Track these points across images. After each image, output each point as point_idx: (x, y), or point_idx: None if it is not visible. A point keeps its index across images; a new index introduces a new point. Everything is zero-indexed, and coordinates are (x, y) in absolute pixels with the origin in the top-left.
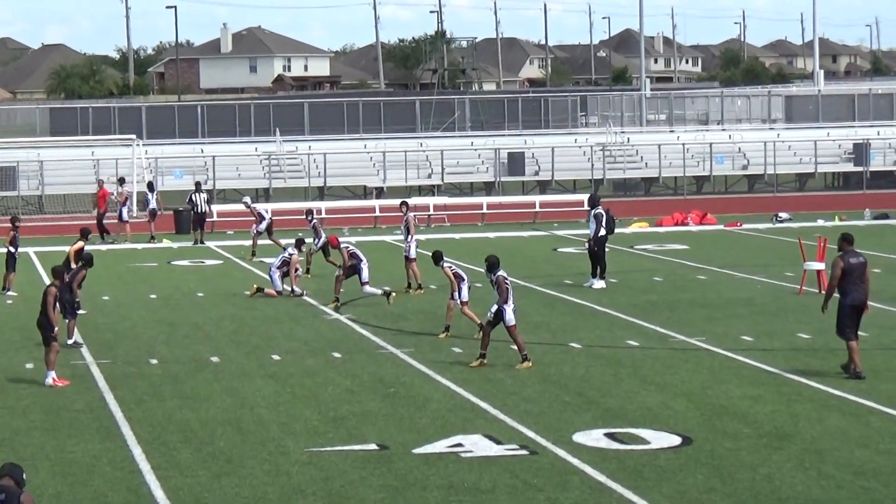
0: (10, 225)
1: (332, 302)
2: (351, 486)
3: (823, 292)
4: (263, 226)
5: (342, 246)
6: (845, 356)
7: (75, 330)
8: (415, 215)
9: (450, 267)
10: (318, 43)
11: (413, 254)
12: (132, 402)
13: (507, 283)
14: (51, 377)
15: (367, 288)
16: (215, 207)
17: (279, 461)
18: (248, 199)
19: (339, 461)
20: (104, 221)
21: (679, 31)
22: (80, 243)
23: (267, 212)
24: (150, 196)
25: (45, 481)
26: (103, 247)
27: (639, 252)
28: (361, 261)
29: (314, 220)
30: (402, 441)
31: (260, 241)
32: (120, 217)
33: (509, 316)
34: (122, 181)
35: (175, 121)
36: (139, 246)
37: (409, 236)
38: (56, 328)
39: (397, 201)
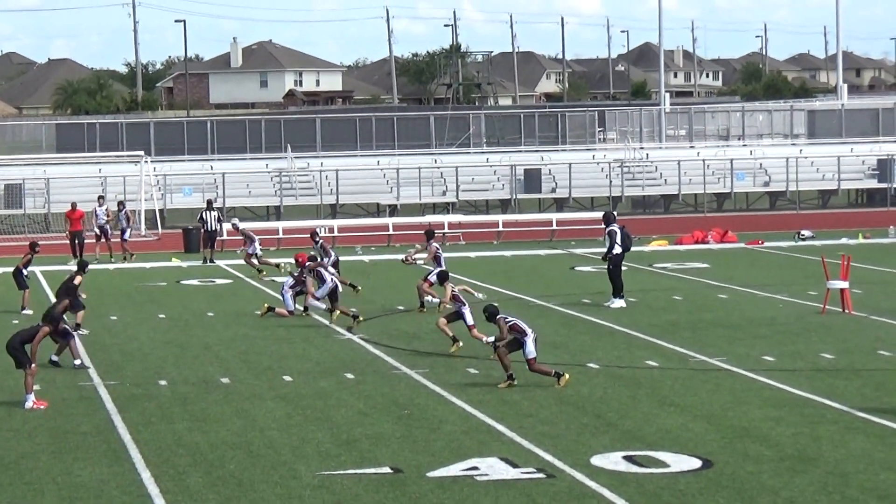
0: (28, 248)
1: (352, 321)
2: None
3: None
4: (257, 247)
5: (310, 264)
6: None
7: (80, 351)
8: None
9: (452, 288)
10: (330, 57)
11: (434, 278)
12: (140, 424)
13: (506, 322)
14: (30, 400)
15: (313, 301)
16: (225, 226)
17: (291, 485)
18: (236, 221)
19: (352, 485)
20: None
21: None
22: (79, 278)
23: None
24: (98, 210)
25: None
26: (111, 266)
27: (658, 271)
28: (326, 281)
29: (320, 241)
30: (416, 464)
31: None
32: (122, 236)
33: (529, 348)
34: (121, 205)
35: (184, 137)
36: (147, 265)
37: (437, 265)
38: (33, 364)
39: (411, 219)
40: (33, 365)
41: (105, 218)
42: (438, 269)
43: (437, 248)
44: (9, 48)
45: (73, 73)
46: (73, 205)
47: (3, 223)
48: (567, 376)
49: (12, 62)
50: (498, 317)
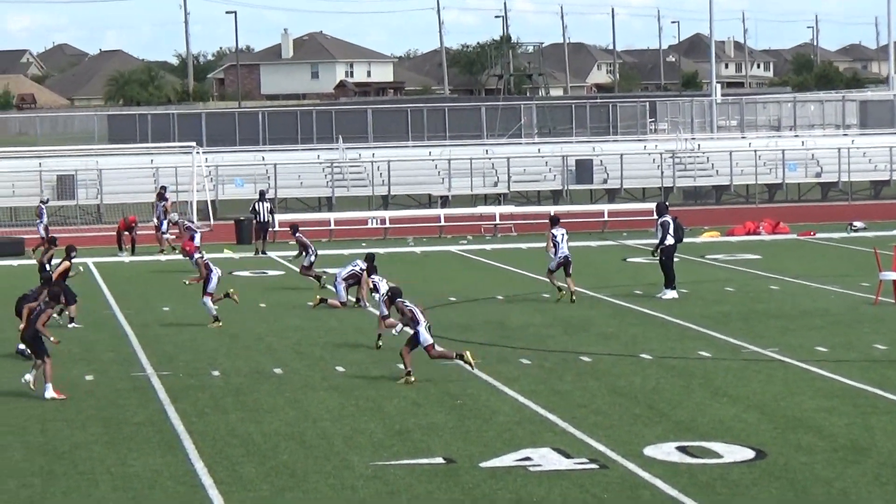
0: (48, 243)
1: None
2: (417, 500)
3: None
4: (198, 239)
5: (198, 256)
6: None
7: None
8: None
9: (405, 304)
10: (381, 48)
11: (554, 266)
12: (194, 414)
13: (407, 308)
14: (50, 389)
15: (208, 300)
16: (278, 217)
17: (343, 475)
18: (174, 216)
19: (405, 475)
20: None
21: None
22: (66, 264)
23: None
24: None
25: (106, 496)
26: (162, 257)
27: (710, 262)
28: (212, 271)
29: (299, 235)
30: (468, 454)
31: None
32: (158, 228)
33: (424, 336)
34: (161, 195)
35: (236, 128)
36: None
37: (556, 251)
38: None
39: (462, 210)
40: (48, 357)
41: (163, 215)
42: (560, 254)
43: (554, 236)
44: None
45: (124, 64)
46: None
47: (56, 214)
48: (468, 352)
49: (64, 53)
50: (398, 300)
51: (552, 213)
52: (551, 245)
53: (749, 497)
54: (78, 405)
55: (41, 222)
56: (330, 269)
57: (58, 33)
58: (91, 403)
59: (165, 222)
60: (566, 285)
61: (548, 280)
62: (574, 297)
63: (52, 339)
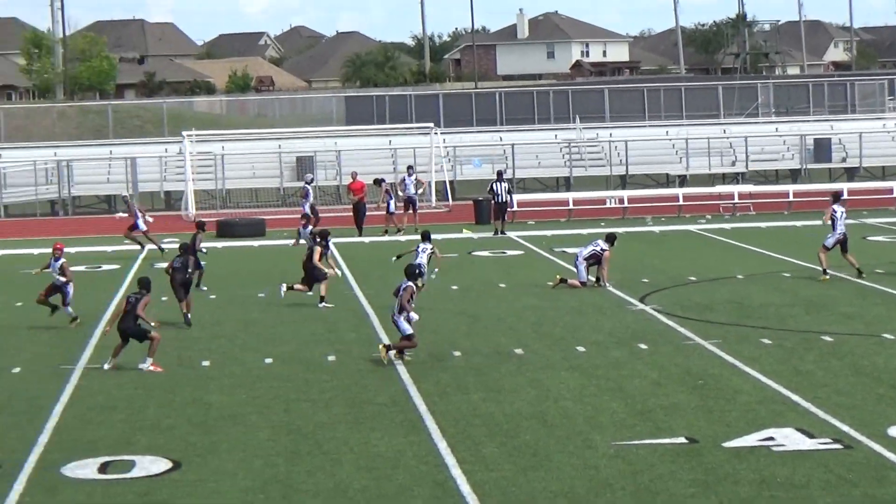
0: (196, 227)
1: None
2: (660, 480)
3: None
4: (142, 223)
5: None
6: None
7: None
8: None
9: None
10: (616, 28)
11: (831, 243)
12: (436, 395)
13: (403, 292)
14: (149, 363)
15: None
16: (516, 197)
17: (586, 455)
18: (127, 195)
19: (648, 454)
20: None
21: None
22: (318, 249)
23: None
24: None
25: (350, 475)
26: (402, 238)
27: None
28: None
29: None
30: (711, 434)
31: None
32: (388, 210)
33: (403, 326)
34: (378, 181)
35: (472, 108)
36: (439, 237)
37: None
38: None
39: (700, 190)
40: (153, 332)
41: (413, 189)
42: (839, 232)
43: (834, 211)
44: (297, 22)
45: (360, 45)
46: (354, 175)
47: (294, 195)
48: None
49: (301, 36)
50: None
51: (835, 190)
52: (828, 219)
53: None
54: (321, 385)
55: (307, 201)
56: (569, 249)
57: (295, 15)
58: (334, 384)
59: (392, 202)
60: (849, 262)
61: (820, 256)
62: (861, 273)
63: (152, 323)
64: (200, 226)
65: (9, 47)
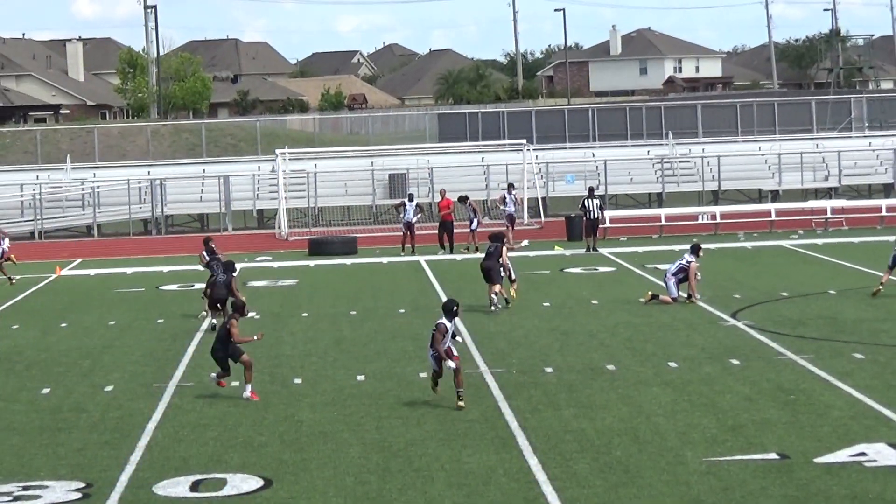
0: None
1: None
2: (751, 496)
3: None
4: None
5: None
6: None
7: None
8: None
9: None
10: (708, 43)
11: None
12: (527, 411)
13: (435, 331)
14: (248, 389)
15: None
16: (608, 213)
17: (677, 471)
18: None
19: (739, 471)
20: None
21: None
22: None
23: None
24: (507, 198)
25: (442, 492)
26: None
27: None
28: None
29: (213, 246)
30: (802, 450)
31: None
32: (470, 227)
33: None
34: (463, 199)
35: (565, 125)
36: (531, 253)
37: None
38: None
39: (793, 205)
40: (244, 355)
41: (514, 207)
42: None
43: None
44: (391, 40)
45: (453, 63)
46: (442, 192)
47: (387, 213)
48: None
49: (394, 54)
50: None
51: None
52: None
53: None
54: (413, 402)
55: (406, 217)
56: (661, 266)
57: (387, 33)
58: (425, 401)
59: (476, 220)
60: None
61: None
62: None
63: (255, 337)
64: (208, 242)
65: (104, 67)
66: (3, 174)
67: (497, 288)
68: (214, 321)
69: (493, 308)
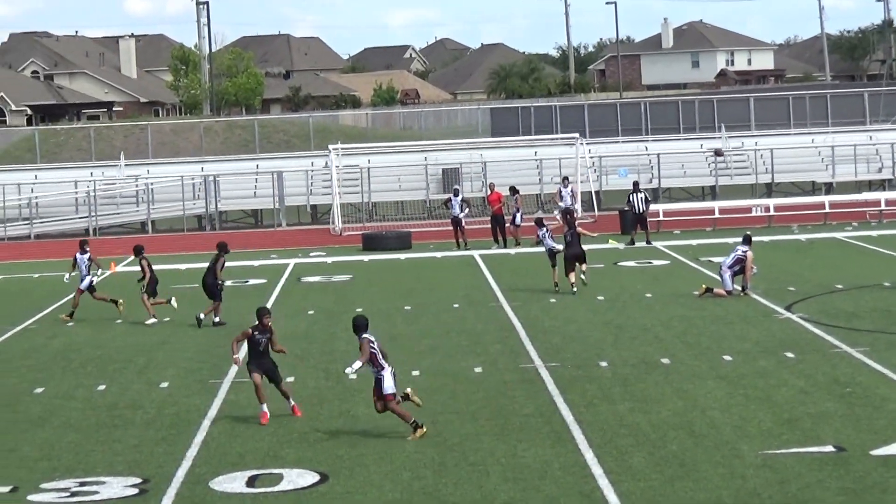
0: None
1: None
2: (808, 489)
3: None
4: None
5: None
6: None
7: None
8: None
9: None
10: (761, 36)
11: None
12: (582, 405)
13: (371, 347)
14: (290, 403)
15: None
16: (661, 207)
17: (733, 464)
18: None
19: (795, 463)
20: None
21: None
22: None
23: None
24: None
25: (497, 486)
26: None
27: None
28: None
29: (88, 252)
30: (859, 442)
31: None
32: (513, 222)
33: (388, 383)
34: (513, 190)
35: (617, 118)
36: (585, 247)
37: None
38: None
39: (847, 197)
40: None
41: (570, 200)
42: None
43: None
44: (443, 34)
45: (505, 57)
46: (492, 186)
47: (440, 208)
48: (424, 430)
49: (446, 48)
50: (363, 335)
51: None
52: None
53: None
54: (468, 397)
55: (453, 212)
56: (715, 258)
57: (439, 28)
58: (480, 395)
59: (519, 215)
60: None
61: None
62: None
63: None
64: (223, 248)
65: (156, 64)
66: (58, 171)
67: (584, 267)
68: (202, 315)
69: (574, 290)
